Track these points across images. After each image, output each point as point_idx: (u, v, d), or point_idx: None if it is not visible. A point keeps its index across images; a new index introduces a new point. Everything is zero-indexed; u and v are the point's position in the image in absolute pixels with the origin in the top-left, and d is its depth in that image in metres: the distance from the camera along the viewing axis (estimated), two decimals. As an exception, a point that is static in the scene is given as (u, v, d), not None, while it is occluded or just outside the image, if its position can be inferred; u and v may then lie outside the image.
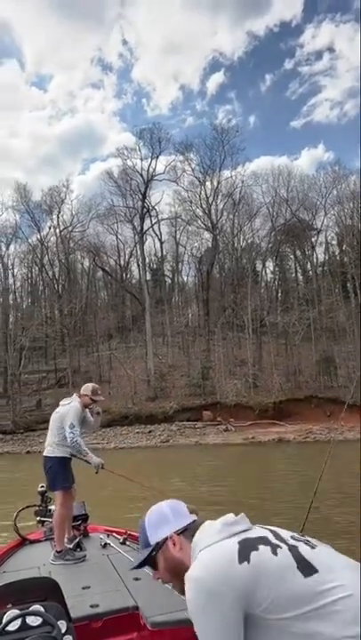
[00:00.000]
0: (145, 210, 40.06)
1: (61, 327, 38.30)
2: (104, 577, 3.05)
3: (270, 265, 44.25)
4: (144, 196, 39.79)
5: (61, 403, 4.09)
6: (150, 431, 28.54)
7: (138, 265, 43.20)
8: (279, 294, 44.33)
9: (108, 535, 3.83)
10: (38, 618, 1.91)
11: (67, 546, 3.61)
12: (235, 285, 39.16)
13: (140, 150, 40.18)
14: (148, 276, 43.40)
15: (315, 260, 42.23)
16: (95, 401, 4.06)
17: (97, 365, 36.39)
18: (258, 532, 1.17)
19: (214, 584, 1.04)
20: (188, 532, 1.25)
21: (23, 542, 3.93)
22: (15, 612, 1.92)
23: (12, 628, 1.86)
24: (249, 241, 42.58)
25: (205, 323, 38.39)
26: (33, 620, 1.90)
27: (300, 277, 45.34)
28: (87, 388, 4.09)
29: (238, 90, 65.75)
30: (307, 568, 1.05)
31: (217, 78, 70.04)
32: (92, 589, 2.82)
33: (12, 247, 42.01)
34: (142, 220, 39.93)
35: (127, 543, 3.62)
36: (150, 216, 40.79)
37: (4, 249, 41.31)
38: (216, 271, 43.32)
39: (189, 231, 42.84)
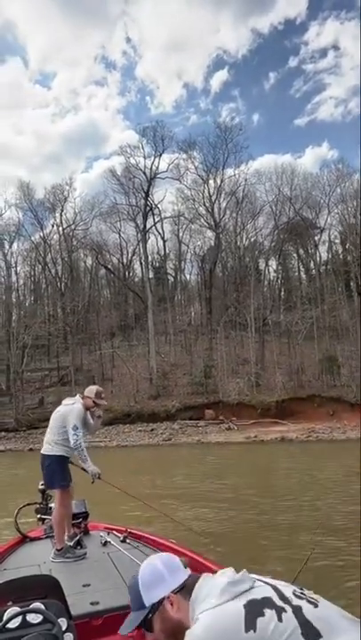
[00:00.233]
0: (148, 208, 40.04)
1: (64, 325, 38.35)
2: (104, 575, 3.04)
3: (273, 263, 44.25)
4: (147, 194, 39.77)
5: (64, 402, 4.07)
6: (153, 429, 28.55)
7: (140, 263, 43.26)
8: (282, 293, 44.28)
9: (109, 533, 3.83)
10: (39, 615, 1.91)
11: (67, 543, 3.61)
12: (237, 284, 39.11)
13: (143, 148, 40.18)
14: (151, 275, 43.40)
15: (318, 259, 42.16)
16: (98, 404, 4.04)
17: (99, 363, 36.45)
18: (262, 590, 1.12)
19: None
20: (185, 589, 1.19)
21: (24, 540, 3.93)
22: (16, 609, 1.92)
23: (12, 625, 1.86)
24: (252, 239, 42.53)
25: (208, 321, 38.36)
26: (33, 618, 1.89)
27: (303, 276, 45.30)
28: (91, 390, 4.07)
29: (242, 88, 65.79)
30: (311, 632, 1.02)
31: (221, 76, 69.89)
32: (92, 587, 2.82)
33: (15, 245, 42.11)
34: (145, 218, 39.91)
35: (127, 541, 3.62)
36: (153, 214, 40.79)
37: (7, 247, 41.41)
38: (219, 270, 43.27)
39: (192, 229, 42.81)
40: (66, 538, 3.67)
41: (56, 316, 41.27)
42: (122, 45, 72.90)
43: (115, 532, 3.86)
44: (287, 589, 1.14)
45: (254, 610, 1.05)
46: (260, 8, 74.00)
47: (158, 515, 7.99)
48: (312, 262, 42.96)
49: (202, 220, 41.85)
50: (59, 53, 68.66)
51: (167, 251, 44.24)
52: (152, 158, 39.91)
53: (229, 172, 41.28)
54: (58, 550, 3.51)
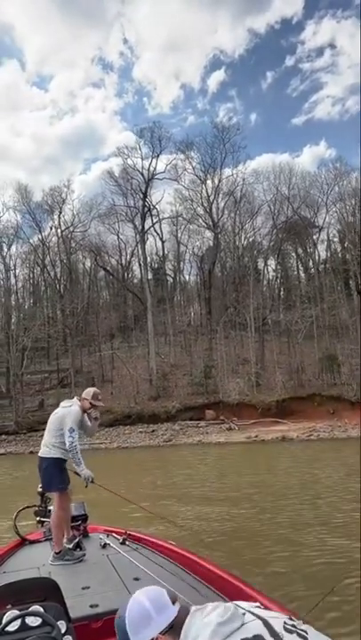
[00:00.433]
0: (146, 209, 40.04)
1: (63, 327, 38.33)
2: (104, 577, 3.03)
3: (272, 263, 44.24)
4: (145, 195, 39.77)
5: (62, 404, 4.08)
6: (153, 430, 28.52)
7: (139, 264, 43.20)
8: (281, 292, 44.27)
9: (108, 535, 3.82)
10: (38, 618, 1.90)
11: (66, 546, 3.60)
12: (237, 284, 39.10)
13: (140, 149, 40.19)
14: (150, 276, 43.35)
15: (317, 258, 42.15)
16: (95, 406, 4.03)
17: (99, 365, 36.41)
18: (253, 627, 1.11)
19: None
20: (174, 628, 1.17)
21: (23, 542, 3.92)
22: (15, 612, 1.92)
23: (11, 628, 1.85)
24: (250, 239, 42.51)
25: (207, 321, 38.35)
26: (32, 621, 1.89)
27: (303, 275, 45.26)
28: (88, 392, 4.07)
29: (239, 88, 65.81)
30: None
31: (218, 76, 69.83)
32: (91, 589, 2.81)
33: (13, 248, 42.03)
34: (143, 219, 39.90)
35: (127, 543, 3.61)
36: (151, 215, 40.77)
37: (5, 250, 41.36)
38: (218, 270, 43.26)
39: (191, 230, 42.83)
40: (65, 540, 3.66)
41: (55, 318, 41.25)
42: (119, 47, 73.06)
43: (114, 534, 3.85)
44: (278, 622, 1.12)
45: None
46: (257, 8, 73.93)
47: (156, 518, 7.99)
48: (311, 261, 42.99)
49: (200, 220, 41.91)
50: (56, 55, 68.68)
51: (166, 251, 44.31)
52: (150, 159, 39.96)
53: (227, 171, 41.37)
54: (57, 553, 3.51)
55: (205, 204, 41.35)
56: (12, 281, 42.22)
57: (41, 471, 3.90)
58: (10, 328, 36.78)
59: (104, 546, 3.63)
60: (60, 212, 42.34)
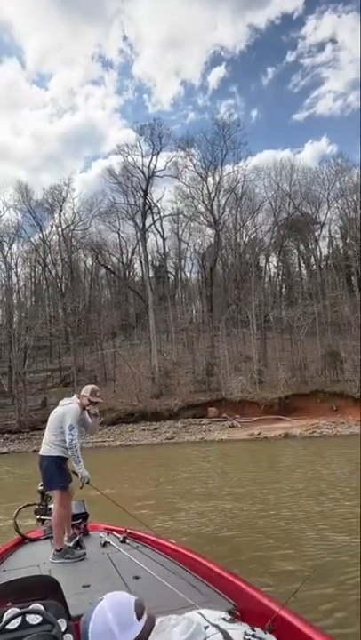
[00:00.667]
0: (147, 207, 40.00)
1: (65, 326, 38.39)
2: (104, 575, 3.03)
3: (274, 260, 44.16)
4: (145, 192, 39.72)
5: (61, 403, 4.08)
6: (156, 428, 28.56)
7: (140, 262, 43.24)
8: (283, 289, 44.20)
9: (108, 533, 3.83)
10: (38, 616, 1.89)
11: (67, 544, 3.60)
12: (238, 281, 39.06)
13: (140, 147, 40.12)
14: (151, 274, 43.36)
15: (318, 254, 42.07)
16: (93, 402, 4.02)
17: (101, 363, 36.46)
18: None
19: None
20: None
21: (23, 541, 3.93)
22: (15, 610, 1.91)
23: (11, 626, 1.84)
24: (252, 236, 42.45)
25: (209, 319, 38.32)
26: (33, 619, 1.88)
27: (304, 272, 45.20)
28: (86, 389, 4.07)
29: (240, 84, 65.42)
30: None
31: (218, 72, 69.77)
32: (92, 587, 2.80)
33: (14, 247, 42.11)
34: (144, 217, 39.87)
35: (127, 542, 3.61)
36: (152, 213, 40.75)
37: (6, 249, 41.39)
38: (219, 267, 43.22)
39: (192, 227, 42.77)
40: (65, 538, 3.66)
41: (57, 316, 41.34)
42: (118, 44, 72.64)
43: (114, 532, 3.85)
44: (237, 634, 1.15)
45: None
46: (257, 3, 73.94)
47: (160, 515, 7.99)
48: (313, 258, 42.90)
49: (201, 217, 41.87)
50: (55, 53, 68.74)
51: (167, 249, 44.23)
52: (150, 157, 39.92)
53: (228, 168, 41.26)
54: (57, 551, 3.50)
55: (206, 202, 41.32)
56: (14, 280, 42.35)
57: (42, 469, 3.90)
58: (12, 327, 36.84)
59: (104, 544, 3.62)
60: (61, 211, 42.44)
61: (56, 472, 3.81)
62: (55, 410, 4.03)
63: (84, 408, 4.00)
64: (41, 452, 3.93)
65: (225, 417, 28.81)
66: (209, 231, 42.18)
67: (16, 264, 42.23)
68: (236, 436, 25.03)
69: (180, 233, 43.17)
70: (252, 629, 1.17)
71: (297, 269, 46.21)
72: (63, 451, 3.82)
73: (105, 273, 46.15)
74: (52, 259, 43.20)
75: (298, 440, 22.35)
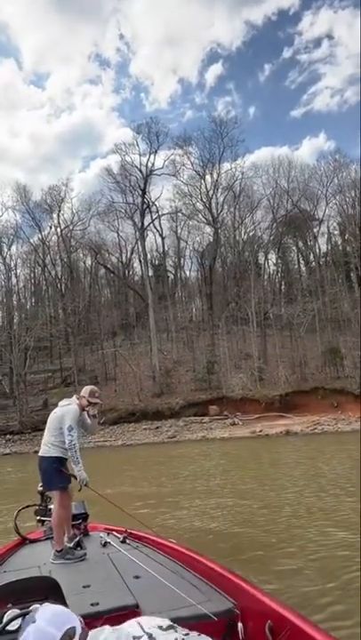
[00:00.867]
0: (145, 206, 39.98)
1: (65, 326, 38.38)
2: (104, 575, 3.03)
3: (273, 257, 44.17)
4: (144, 191, 39.67)
5: (60, 403, 4.08)
6: (157, 427, 28.58)
7: (140, 261, 43.18)
8: (282, 286, 44.20)
9: (108, 534, 3.83)
10: None
11: (67, 545, 3.60)
12: (237, 279, 39.04)
13: (138, 145, 40.07)
14: (151, 273, 43.35)
15: (317, 251, 42.04)
16: (92, 403, 4.02)
17: (102, 363, 36.47)
18: None
19: None
20: None
21: (23, 542, 3.92)
22: (15, 611, 1.91)
23: (12, 627, 1.84)
24: (250, 234, 42.44)
25: (209, 317, 38.32)
26: None
27: (303, 268, 45.16)
28: (85, 390, 4.08)
29: (237, 81, 65.48)
30: None
31: (215, 70, 69.60)
32: (92, 588, 2.80)
33: (13, 248, 42.09)
34: (143, 215, 39.83)
35: (127, 542, 3.61)
36: (151, 212, 40.73)
37: (5, 250, 41.38)
38: (218, 265, 43.20)
39: (190, 226, 42.77)
40: (66, 539, 3.66)
41: (57, 317, 41.32)
42: (115, 42, 72.40)
43: (114, 532, 3.85)
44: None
45: None
46: (254, -1, 73.48)
47: (162, 514, 7.99)
48: (312, 254, 42.86)
49: (200, 215, 41.85)
50: (52, 52, 68.52)
51: (166, 248, 44.26)
52: (148, 155, 39.88)
53: (226, 166, 41.22)
54: (58, 551, 3.51)
55: (205, 200, 41.30)
56: (14, 281, 42.33)
57: (41, 470, 3.90)
58: (12, 328, 36.85)
59: (104, 544, 3.62)
60: (60, 211, 42.38)
61: (55, 473, 3.81)
62: (54, 411, 4.03)
63: (83, 409, 4.00)
64: (40, 453, 3.93)
65: (226, 415, 28.82)
66: (208, 229, 42.23)
67: (15, 265, 42.27)
68: (238, 433, 25.03)
69: (179, 231, 43.25)
70: (185, 635, 1.22)
71: (296, 266, 46.22)
72: (62, 451, 3.82)
73: (104, 272, 46.14)
74: (51, 259, 43.21)
75: (299, 437, 22.35)
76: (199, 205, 41.55)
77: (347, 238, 40.45)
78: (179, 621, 2.20)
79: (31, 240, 42.73)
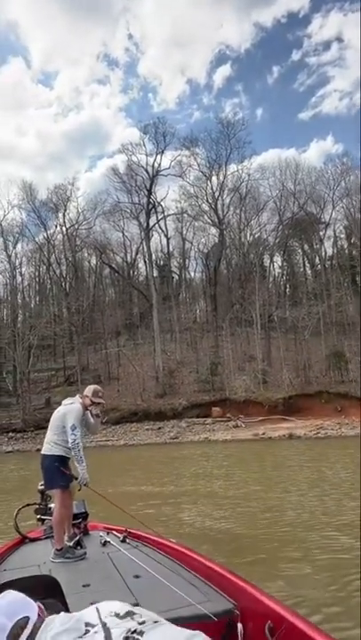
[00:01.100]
0: (151, 206, 40.00)
1: (69, 325, 38.45)
2: (104, 575, 3.02)
3: (278, 259, 44.06)
4: (149, 192, 39.70)
5: (64, 402, 4.08)
6: (160, 428, 28.54)
7: (145, 262, 43.24)
8: (287, 289, 44.10)
9: (108, 533, 3.82)
10: None
11: (67, 544, 3.58)
12: (242, 281, 38.98)
13: (145, 146, 40.11)
14: (155, 273, 43.34)
15: (323, 254, 41.90)
16: (95, 403, 4.00)
17: (105, 363, 36.50)
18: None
19: None
20: None
21: (23, 540, 3.91)
22: None
23: None
24: (256, 236, 42.35)
25: (213, 318, 38.27)
26: None
27: (309, 271, 45.01)
28: (89, 389, 4.07)
29: (245, 82, 65.44)
30: None
31: (224, 71, 69.66)
32: (92, 587, 2.79)
33: (19, 246, 42.22)
34: (148, 216, 39.85)
35: (127, 541, 3.60)
36: (156, 212, 40.72)
37: (11, 248, 41.51)
38: (223, 267, 43.15)
39: (196, 227, 42.71)
40: (66, 538, 3.63)
41: (61, 316, 41.40)
42: (124, 42, 72.60)
43: (114, 532, 3.83)
44: (120, 632, 1.20)
45: None
46: (263, 1, 73.75)
47: (164, 515, 7.95)
48: (317, 257, 42.74)
49: (205, 216, 41.78)
50: (61, 52, 68.93)
51: (171, 249, 44.23)
52: (154, 155, 39.90)
53: (232, 167, 41.14)
54: (58, 550, 3.49)
55: (210, 201, 41.27)
56: (18, 279, 42.48)
57: (43, 469, 3.89)
58: (16, 326, 36.99)
59: (104, 544, 3.60)
60: (65, 210, 42.49)
61: (57, 471, 3.79)
62: (58, 409, 4.02)
63: (86, 408, 3.98)
64: (42, 451, 3.92)
65: (229, 417, 28.73)
66: (213, 230, 42.17)
67: (20, 263, 42.42)
68: (241, 435, 24.96)
69: (185, 232, 43.21)
70: (141, 623, 1.22)
71: (301, 269, 46.06)
72: (65, 450, 3.80)
73: (109, 272, 46.22)
74: (56, 258, 43.31)
75: (302, 440, 22.26)
76: (205, 206, 41.58)
77: (353, 242, 40.33)
78: (178, 621, 2.16)
79: (36, 239, 42.94)
